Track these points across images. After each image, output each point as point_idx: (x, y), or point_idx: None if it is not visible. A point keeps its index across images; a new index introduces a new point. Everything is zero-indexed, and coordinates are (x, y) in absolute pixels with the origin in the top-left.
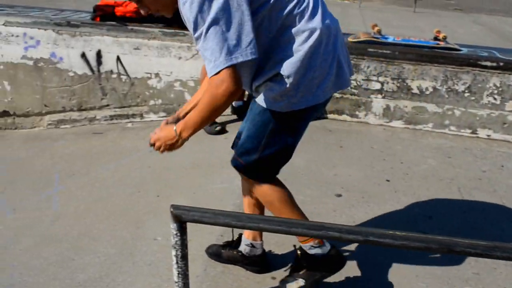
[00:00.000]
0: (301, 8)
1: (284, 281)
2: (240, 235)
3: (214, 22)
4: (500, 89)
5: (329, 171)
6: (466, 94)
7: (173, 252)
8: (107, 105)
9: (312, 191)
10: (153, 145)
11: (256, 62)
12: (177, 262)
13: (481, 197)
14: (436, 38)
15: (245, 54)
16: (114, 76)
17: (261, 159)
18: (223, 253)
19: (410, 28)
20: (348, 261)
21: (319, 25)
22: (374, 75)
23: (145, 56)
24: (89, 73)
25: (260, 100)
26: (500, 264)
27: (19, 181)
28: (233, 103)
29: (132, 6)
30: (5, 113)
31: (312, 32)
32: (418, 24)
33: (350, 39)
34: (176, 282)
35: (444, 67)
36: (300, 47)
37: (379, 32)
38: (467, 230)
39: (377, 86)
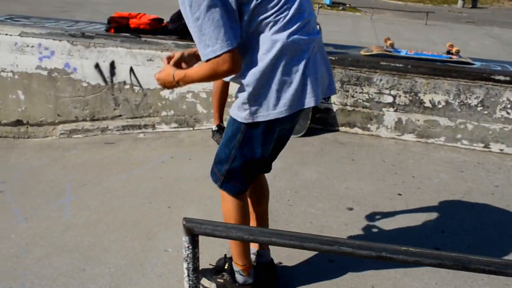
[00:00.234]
0: (277, 18)
1: (204, 272)
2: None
3: (211, 7)
4: None
5: (341, 184)
6: (479, 108)
7: (185, 265)
8: (120, 116)
9: (324, 204)
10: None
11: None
12: (188, 275)
13: (494, 212)
14: (449, 52)
15: (235, 40)
16: (127, 87)
17: (231, 170)
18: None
19: (422, 40)
20: (356, 272)
21: (283, 39)
22: (386, 89)
23: (158, 68)
24: (102, 83)
25: (232, 109)
26: None
27: (32, 190)
28: None
29: (146, 18)
30: (19, 122)
31: (274, 44)
32: (430, 37)
33: (362, 52)
34: None
35: (457, 81)
36: (264, 57)
37: (391, 45)
38: (480, 245)
39: (389, 99)
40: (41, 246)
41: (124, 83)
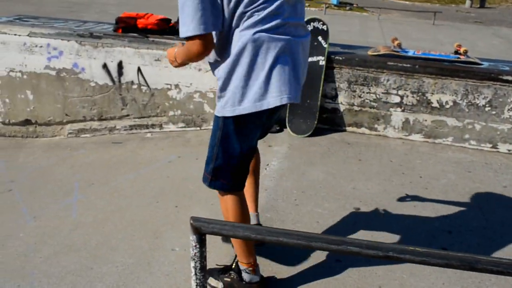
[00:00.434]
0: (251, 15)
1: (211, 272)
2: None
3: None
4: None
5: (348, 184)
6: (487, 108)
7: (192, 264)
8: (127, 115)
9: (331, 204)
10: None
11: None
12: (195, 274)
13: (501, 213)
14: (456, 52)
15: (212, 27)
16: (135, 86)
17: (216, 168)
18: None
19: (429, 40)
20: (363, 272)
21: (248, 35)
22: (393, 89)
23: (165, 68)
24: (110, 83)
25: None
26: None
27: (40, 189)
28: None
29: (154, 18)
30: (27, 122)
31: (239, 39)
32: (438, 37)
33: (369, 52)
34: None
35: (465, 81)
36: (231, 51)
37: (399, 45)
38: (487, 246)
39: (397, 99)
40: (49, 245)
41: (132, 83)
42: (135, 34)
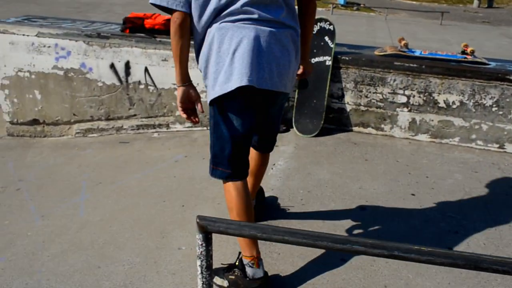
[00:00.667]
0: (223, 9)
1: (216, 271)
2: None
3: None
4: None
5: (354, 184)
6: (494, 109)
7: (198, 263)
8: (134, 115)
9: (336, 204)
10: None
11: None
12: (201, 272)
13: (508, 213)
14: (463, 52)
15: (181, 4)
16: (142, 86)
17: (214, 156)
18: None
19: (437, 40)
20: (369, 271)
21: (216, 25)
22: (400, 89)
23: (172, 68)
24: (118, 83)
25: None
26: None
27: (48, 188)
28: None
29: (161, 18)
30: (35, 121)
31: (211, 31)
32: (445, 37)
33: (376, 52)
34: None
35: (472, 81)
36: (205, 43)
37: (406, 45)
38: (494, 246)
39: (403, 99)
40: (57, 244)
41: (139, 83)
42: (142, 34)
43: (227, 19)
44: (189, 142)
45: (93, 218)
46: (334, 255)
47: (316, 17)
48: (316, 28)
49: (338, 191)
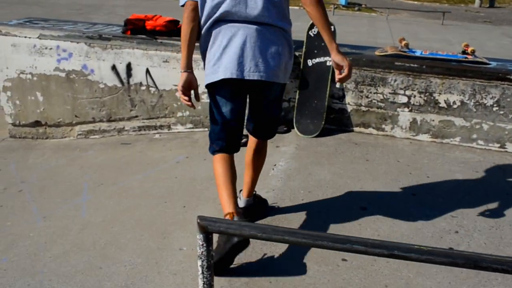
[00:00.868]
0: (214, 11)
1: None
2: None
3: None
4: None
5: (355, 184)
6: (495, 108)
7: (199, 262)
8: (136, 116)
9: (337, 204)
10: None
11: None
12: (202, 272)
13: (509, 213)
14: (464, 52)
15: None
16: (143, 88)
17: (210, 133)
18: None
19: (438, 40)
20: (369, 271)
21: (212, 26)
22: (401, 89)
23: (173, 69)
24: (119, 85)
25: None
26: None
27: (50, 189)
28: None
29: (162, 20)
30: (37, 123)
31: (204, 29)
32: (447, 37)
33: (377, 52)
34: None
35: (472, 81)
36: (205, 37)
37: (406, 46)
38: (495, 246)
39: (404, 99)
40: (59, 244)
41: (140, 84)
42: (143, 36)
43: (220, 21)
44: (190, 143)
45: (94, 219)
46: (334, 255)
47: None
48: (317, 29)
49: (339, 191)
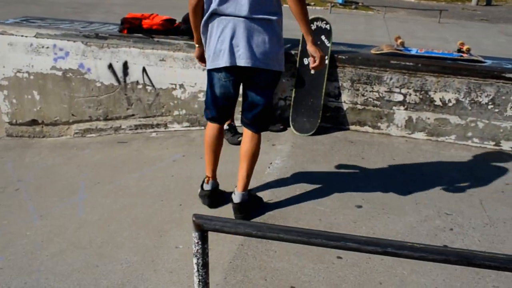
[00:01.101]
0: (210, 3)
1: None
2: None
3: None
4: None
5: (350, 182)
6: (490, 106)
7: (194, 260)
8: (132, 115)
9: (333, 202)
10: None
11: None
12: (198, 270)
13: (503, 210)
14: (459, 50)
15: None
16: (140, 86)
17: (205, 102)
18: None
19: (435, 38)
20: (364, 269)
21: (206, 17)
22: (396, 87)
23: (170, 68)
24: (116, 83)
25: None
26: None
27: (46, 188)
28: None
29: (159, 19)
30: (34, 122)
31: (204, 15)
32: (443, 35)
33: (373, 51)
34: None
35: (468, 79)
36: (205, 28)
37: (402, 44)
38: (489, 243)
39: (400, 98)
40: (55, 243)
41: (137, 83)
42: (140, 35)
43: (215, 14)
44: (187, 142)
45: (91, 217)
46: (330, 253)
47: (313, 16)
48: (312, 28)
49: (334, 189)
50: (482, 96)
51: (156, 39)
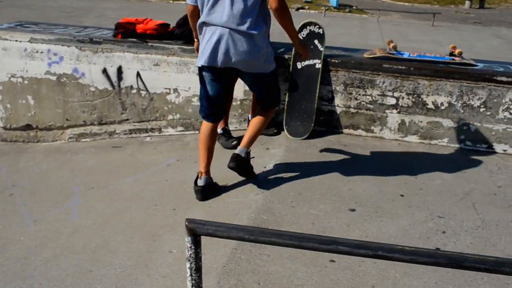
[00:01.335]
0: (203, 8)
1: None
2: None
3: None
4: None
5: (344, 185)
6: (482, 109)
7: (187, 265)
8: (127, 120)
9: (326, 205)
10: None
11: None
12: (191, 275)
13: (495, 213)
14: (451, 54)
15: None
16: (134, 91)
17: (200, 98)
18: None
19: (428, 42)
20: (357, 272)
21: (200, 21)
22: (389, 91)
23: (164, 72)
24: (110, 88)
25: None
26: None
27: (41, 193)
28: (249, 117)
29: (153, 23)
30: (28, 127)
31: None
32: (437, 38)
33: (365, 55)
34: None
35: (460, 83)
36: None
37: (394, 48)
38: (481, 246)
39: (393, 101)
40: (49, 248)
41: (131, 87)
42: (134, 39)
43: (205, 23)
44: (181, 146)
45: (85, 222)
46: (323, 256)
47: (306, 20)
48: (305, 32)
49: (328, 193)
50: (474, 99)
51: (150, 44)
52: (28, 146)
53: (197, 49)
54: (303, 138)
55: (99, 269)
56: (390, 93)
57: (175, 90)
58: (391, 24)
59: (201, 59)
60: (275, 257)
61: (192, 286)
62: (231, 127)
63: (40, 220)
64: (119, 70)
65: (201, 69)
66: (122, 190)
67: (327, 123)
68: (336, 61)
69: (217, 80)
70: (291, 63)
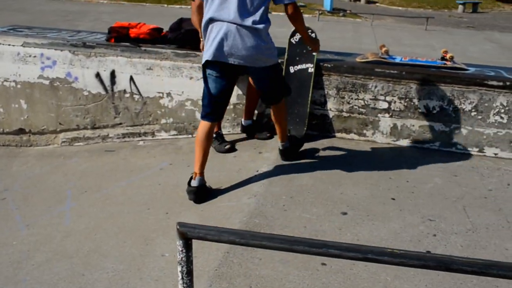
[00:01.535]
0: (207, 4)
1: None
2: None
3: None
4: (507, 108)
5: (336, 189)
6: (473, 113)
7: (179, 268)
8: (120, 124)
9: (318, 209)
10: None
11: None
12: (182, 278)
13: (486, 216)
14: (443, 58)
15: None
16: (127, 95)
17: (202, 99)
18: None
19: (422, 46)
20: (348, 275)
21: (205, 17)
22: (381, 95)
23: (157, 76)
24: (103, 92)
25: None
26: (502, 282)
27: (33, 197)
28: (242, 122)
29: (146, 28)
30: (21, 131)
31: (204, 18)
32: (430, 42)
33: (358, 59)
34: None
35: (451, 87)
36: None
37: (386, 52)
38: (472, 249)
39: (385, 105)
40: (42, 252)
41: (124, 91)
42: (127, 44)
43: (212, 20)
44: (174, 150)
45: (78, 226)
46: (314, 259)
47: None
48: (298, 36)
49: (320, 197)
50: (465, 103)
51: (143, 48)
52: (21, 150)
53: (203, 48)
54: None
55: (92, 273)
56: (382, 97)
57: (168, 94)
58: (385, 28)
59: (207, 54)
60: (267, 260)
61: None
62: (224, 131)
63: (32, 224)
64: (112, 74)
65: (205, 67)
66: (115, 194)
67: (319, 127)
68: (329, 65)
69: (221, 77)
70: (283, 67)
